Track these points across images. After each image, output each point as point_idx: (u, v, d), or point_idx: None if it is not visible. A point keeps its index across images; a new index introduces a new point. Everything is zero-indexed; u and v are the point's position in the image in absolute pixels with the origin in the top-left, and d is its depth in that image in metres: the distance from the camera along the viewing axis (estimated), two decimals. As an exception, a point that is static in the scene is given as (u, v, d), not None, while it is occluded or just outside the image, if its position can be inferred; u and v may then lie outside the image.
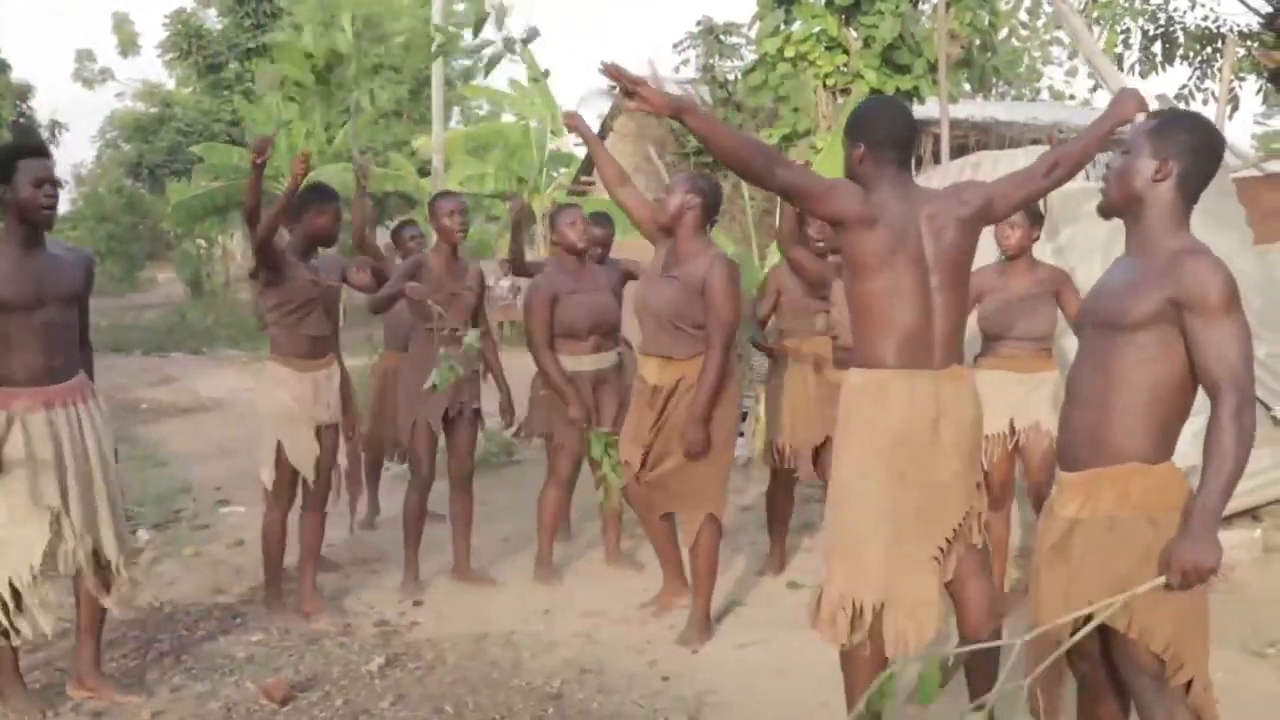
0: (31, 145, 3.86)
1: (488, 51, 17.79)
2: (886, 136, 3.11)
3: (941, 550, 3.07)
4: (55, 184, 3.78)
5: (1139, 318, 2.46)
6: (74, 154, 73.51)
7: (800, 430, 5.23)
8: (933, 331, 3.06)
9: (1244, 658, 4.28)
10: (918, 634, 3.04)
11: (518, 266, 5.84)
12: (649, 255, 4.78)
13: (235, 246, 30.57)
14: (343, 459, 4.99)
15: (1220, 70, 9.50)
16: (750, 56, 14.10)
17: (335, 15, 21.51)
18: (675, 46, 17.17)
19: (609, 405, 5.29)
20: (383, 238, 9.14)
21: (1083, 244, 5.42)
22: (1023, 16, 19.61)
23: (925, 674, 2.32)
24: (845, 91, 11.56)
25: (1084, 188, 5.04)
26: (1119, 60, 11.57)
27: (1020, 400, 4.82)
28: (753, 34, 13.12)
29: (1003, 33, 15.44)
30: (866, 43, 11.66)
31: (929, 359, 3.06)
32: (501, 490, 7.33)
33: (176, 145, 31.71)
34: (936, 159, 10.43)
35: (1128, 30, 11.57)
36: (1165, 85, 52.37)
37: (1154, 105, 3.42)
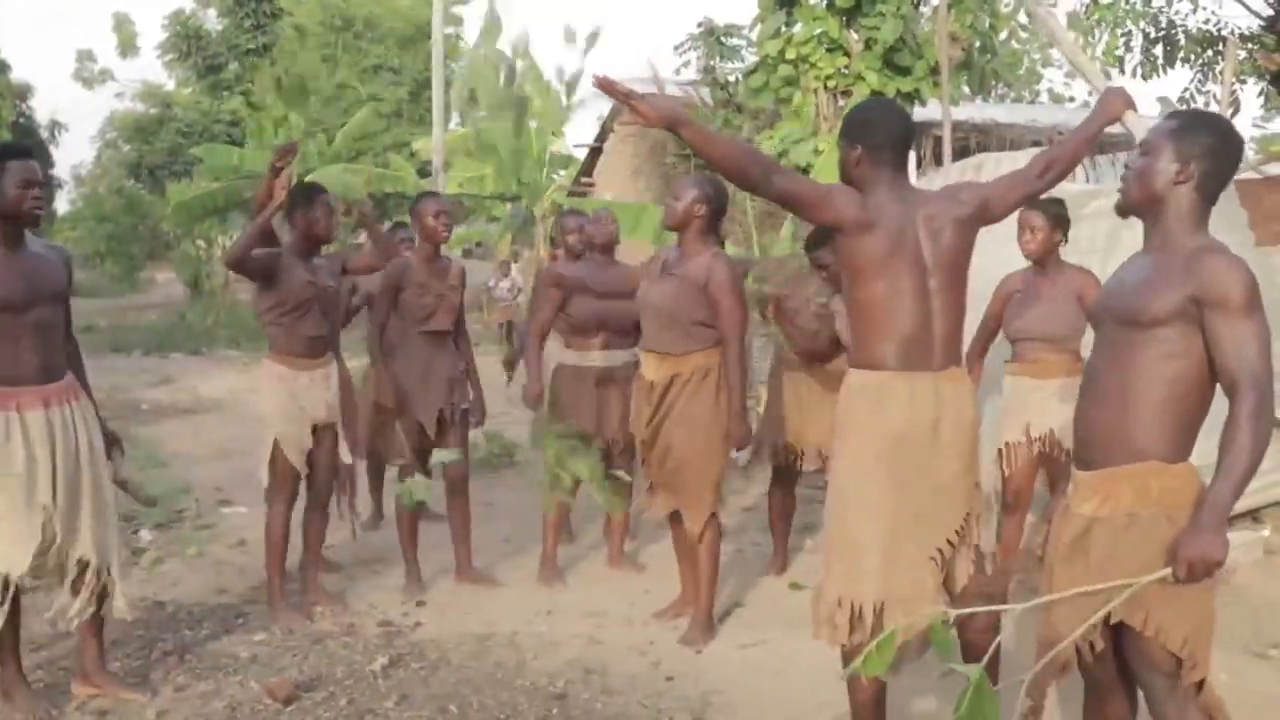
0: (16, 147, 3.87)
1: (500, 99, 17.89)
2: (884, 139, 3.11)
3: (941, 551, 3.08)
4: (41, 185, 3.78)
5: (1160, 313, 2.47)
6: (74, 154, 73.63)
7: (810, 430, 5.24)
8: (932, 333, 3.07)
9: (1246, 659, 4.29)
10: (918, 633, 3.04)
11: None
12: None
13: (235, 247, 30.47)
14: (346, 456, 5.00)
15: (1222, 73, 9.51)
16: (751, 58, 14.10)
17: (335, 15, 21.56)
18: (676, 48, 17.17)
19: (614, 405, 5.29)
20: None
21: (1084, 245, 5.42)
22: (1022, 18, 19.65)
23: (936, 629, 2.33)
24: (846, 93, 11.56)
25: (1084, 189, 5.07)
26: (1120, 63, 11.57)
27: (1038, 406, 4.81)
28: (754, 36, 13.13)
29: (1003, 34, 15.46)
30: (868, 45, 11.67)
31: (929, 361, 3.06)
32: (502, 491, 7.35)
33: (177, 146, 31.78)
34: (938, 161, 10.45)
35: (1129, 33, 11.56)
36: (1166, 88, 52.34)
37: (1146, 106, 3.44)
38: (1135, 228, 2.71)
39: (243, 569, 5.65)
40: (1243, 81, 11.70)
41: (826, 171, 8.71)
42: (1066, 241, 4.85)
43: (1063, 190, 5.21)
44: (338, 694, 4.08)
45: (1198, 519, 2.42)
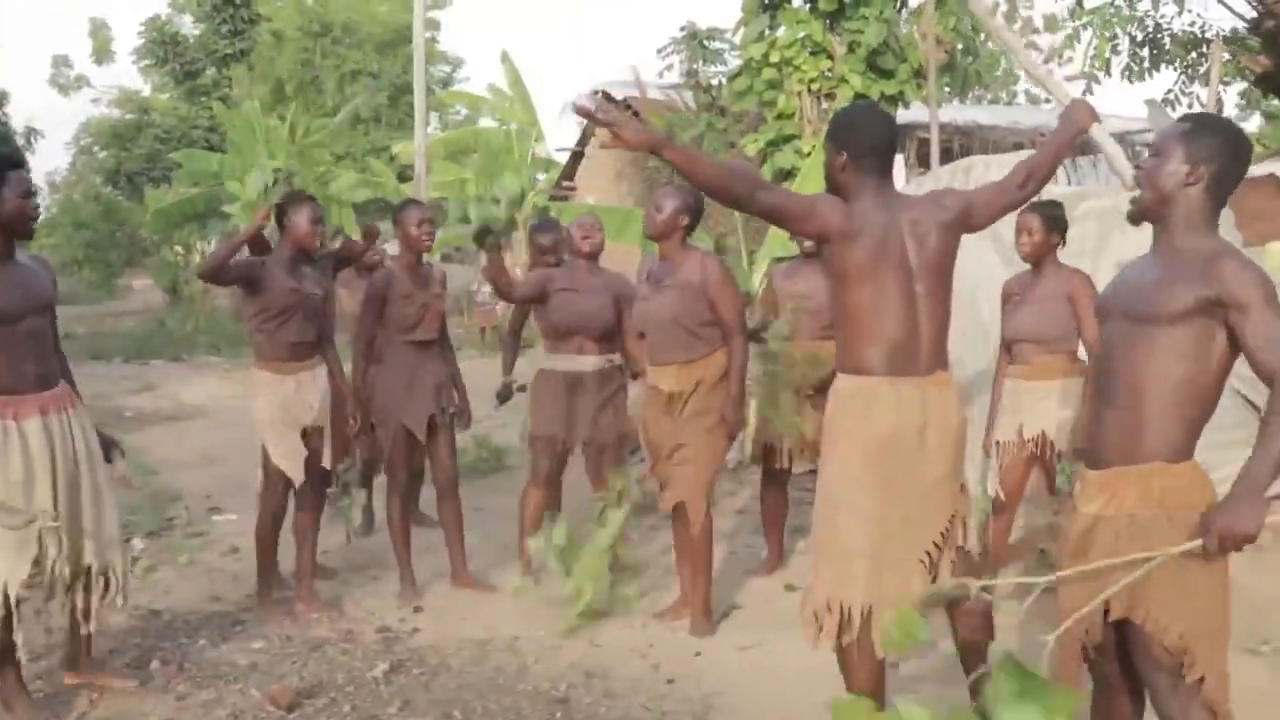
0: (11, 158, 3.87)
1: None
2: (869, 144, 3.14)
3: (929, 554, 3.10)
4: (36, 194, 3.82)
5: (1174, 312, 2.50)
6: (49, 161, 72.98)
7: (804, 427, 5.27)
8: (919, 338, 3.10)
9: (1239, 656, 4.29)
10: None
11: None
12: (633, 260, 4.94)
13: (213, 253, 30.34)
14: (326, 462, 5.02)
15: (1208, 74, 9.58)
16: (735, 62, 14.17)
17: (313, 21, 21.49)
18: (659, 52, 17.26)
19: (583, 409, 5.21)
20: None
21: (1074, 246, 5.46)
22: (999, 20, 19.79)
23: (902, 614, 2.27)
24: (830, 96, 11.61)
25: (1075, 190, 5.10)
26: (1107, 65, 11.64)
27: (1031, 407, 4.83)
28: (737, 39, 13.16)
29: (983, 36, 15.55)
30: (851, 48, 11.73)
31: (915, 366, 3.09)
32: (492, 496, 7.31)
33: (155, 152, 31.56)
34: (924, 164, 10.50)
35: (1116, 37, 11.63)
36: (1152, 90, 52.65)
37: (1132, 108, 3.48)
38: (1125, 230, 2.73)
39: (236, 576, 5.62)
40: (1226, 83, 11.79)
41: (812, 175, 8.73)
42: (1064, 244, 4.89)
43: (1052, 192, 5.25)
44: (340, 700, 4.08)
45: (1232, 492, 2.45)
